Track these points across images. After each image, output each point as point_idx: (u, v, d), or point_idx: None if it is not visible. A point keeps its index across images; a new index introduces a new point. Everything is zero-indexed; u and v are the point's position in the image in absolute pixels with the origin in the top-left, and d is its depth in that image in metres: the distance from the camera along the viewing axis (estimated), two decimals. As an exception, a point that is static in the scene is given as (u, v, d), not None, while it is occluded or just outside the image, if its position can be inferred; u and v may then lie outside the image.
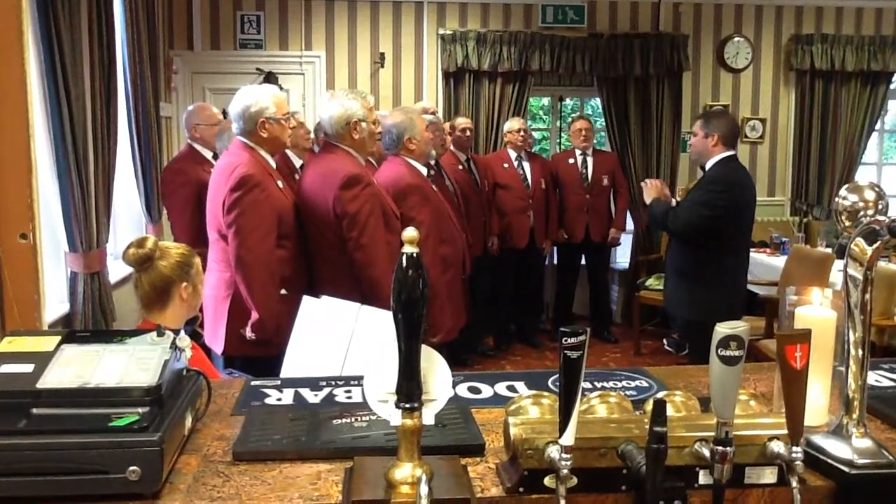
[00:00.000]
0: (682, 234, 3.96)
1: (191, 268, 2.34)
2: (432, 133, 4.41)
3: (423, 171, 3.69)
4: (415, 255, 1.02)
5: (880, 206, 1.24)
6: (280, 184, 3.05)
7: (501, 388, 1.60)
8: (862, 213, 1.24)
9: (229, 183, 2.87)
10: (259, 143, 3.02)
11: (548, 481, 1.08)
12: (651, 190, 4.06)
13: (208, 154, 4.34)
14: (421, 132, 3.62)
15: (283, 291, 2.92)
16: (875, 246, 1.17)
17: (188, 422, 1.27)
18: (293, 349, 2.29)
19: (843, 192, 1.28)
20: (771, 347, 4.08)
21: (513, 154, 6.03)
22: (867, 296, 1.20)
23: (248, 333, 2.88)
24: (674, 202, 4.15)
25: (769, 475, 1.13)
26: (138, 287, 2.30)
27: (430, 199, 3.59)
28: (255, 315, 2.87)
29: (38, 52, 3.37)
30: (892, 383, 1.63)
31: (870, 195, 1.25)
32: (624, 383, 1.63)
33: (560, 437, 1.01)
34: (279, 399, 1.53)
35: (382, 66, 6.58)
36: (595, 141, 6.48)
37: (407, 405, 1.04)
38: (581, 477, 1.06)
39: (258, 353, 2.84)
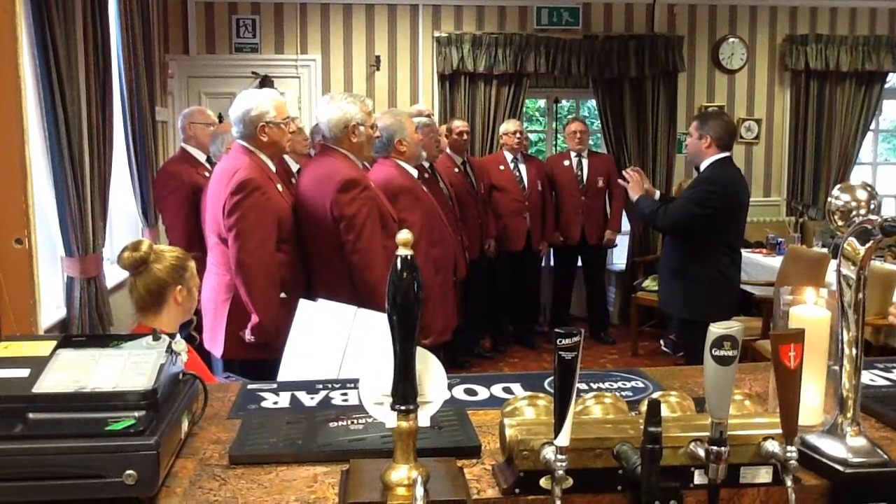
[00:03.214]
0: (669, 230, 4.03)
1: (185, 271, 2.34)
2: (425, 135, 4.41)
3: (414, 172, 3.69)
4: (409, 257, 1.02)
5: (872, 206, 1.24)
6: (279, 187, 3.05)
7: (497, 389, 1.60)
8: (854, 212, 1.24)
9: (230, 186, 2.87)
10: (259, 147, 3.03)
11: (543, 482, 1.08)
12: (634, 186, 4.10)
13: (201, 157, 4.33)
14: (410, 134, 3.62)
15: (282, 295, 2.93)
16: (868, 245, 1.18)
17: (184, 425, 1.27)
18: (290, 353, 2.29)
19: (835, 192, 1.28)
20: (767, 348, 4.10)
21: (509, 156, 6.04)
22: (861, 295, 1.20)
23: (248, 337, 2.89)
24: (657, 194, 4.20)
25: (764, 475, 1.13)
26: (133, 291, 2.30)
27: (420, 200, 3.60)
28: (254, 318, 2.87)
29: (32, 56, 3.37)
30: (886, 382, 1.64)
31: (862, 195, 1.25)
32: (619, 384, 1.64)
33: (555, 438, 1.02)
34: (275, 402, 1.53)
35: (378, 69, 6.58)
36: (591, 143, 6.48)
37: (402, 407, 1.05)
38: (577, 478, 1.07)
39: (258, 357, 2.84)
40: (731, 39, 6.92)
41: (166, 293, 2.29)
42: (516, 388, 1.61)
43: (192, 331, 2.87)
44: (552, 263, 6.68)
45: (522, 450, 1.09)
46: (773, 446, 1.10)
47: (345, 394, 1.57)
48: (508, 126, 6.08)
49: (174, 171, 4.23)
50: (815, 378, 1.30)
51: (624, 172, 4.24)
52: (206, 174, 4.03)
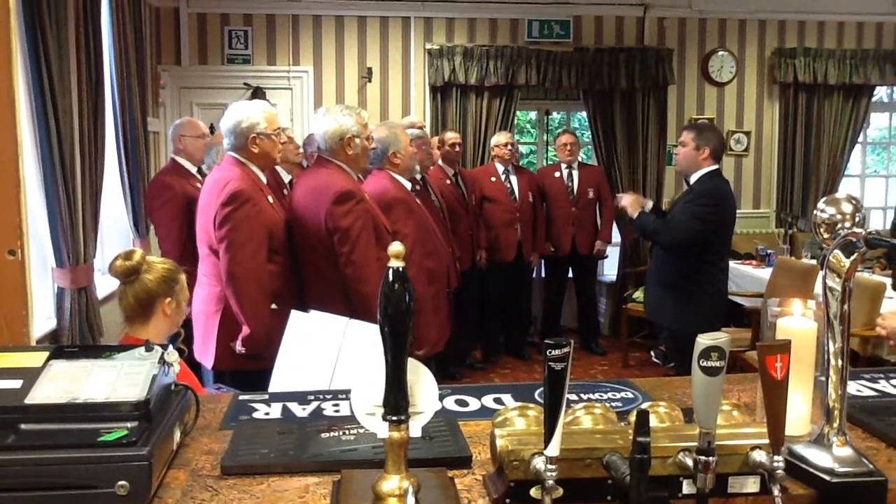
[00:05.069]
0: (674, 246, 4.05)
1: (176, 283, 2.35)
2: (418, 147, 4.43)
3: (408, 185, 3.70)
4: (401, 269, 1.04)
5: (857, 219, 1.26)
6: (271, 199, 3.06)
7: (488, 400, 1.61)
8: (839, 225, 1.26)
9: (221, 198, 2.88)
10: (250, 159, 3.04)
11: (534, 492, 1.09)
12: (632, 203, 4.16)
13: (192, 168, 4.33)
14: (405, 147, 3.63)
15: (273, 306, 2.92)
16: (852, 258, 1.19)
17: (176, 436, 1.27)
18: (281, 363, 2.29)
19: (820, 204, 1.30)
20: (756, 359, 4.13)
21: (500, 168, 6.06)
22: (846, 306, 1.22)
23: (239, 347, 2.89)
24: (650, 204, 4.24)
25: (752, 484, 1.14)
26: (122, 299, 2.30)
27: (414, 212, 3.61)
28: (245, 329, 2.87)
29: (25, 66, 3.37)
30: (872, 393, 1.65)
31: (847, 208, 1.27)
32: (609, 395, 1.65)
33: (545, 448, 1.03)
34: (267, 413, 1.53)
35: (370, 80, 6.60)
36: (582, 155, 6.52)
37: (394, 418, 1.06)
38: (566, 488, 1.08)
39: (249, 368, 2.84)
40: (721, 52, 6.98)
41: (155, 304, 2.30)
42: (507, 398, 1.62)
43: (179, 343, 2.87)
44: (543, 274, 6.70)
45: (513, 460, 1.10)
46: (760, 456, 1.11)
47: (336, 404, 1.58)
48: (500, 138, 6.10)
49: (166, 182, 4.22)
50: (802, 388, 1.31)
51: (617, 196, 4.36)
52: (198, 185, 4.03)
